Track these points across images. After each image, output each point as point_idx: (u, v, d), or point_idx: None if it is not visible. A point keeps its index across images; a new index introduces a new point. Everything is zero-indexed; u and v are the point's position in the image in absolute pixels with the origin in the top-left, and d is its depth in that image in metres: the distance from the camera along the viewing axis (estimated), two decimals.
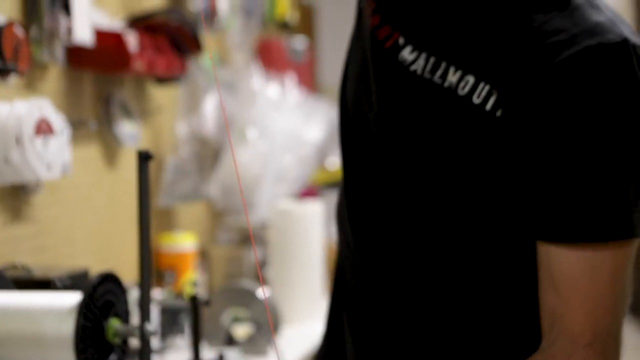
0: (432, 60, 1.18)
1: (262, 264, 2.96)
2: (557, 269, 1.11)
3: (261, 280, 2.70)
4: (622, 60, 1.09)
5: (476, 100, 1.14)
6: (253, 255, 2.99)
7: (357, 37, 1.33)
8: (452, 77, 1.16)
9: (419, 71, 1.19)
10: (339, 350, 1.36)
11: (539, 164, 1.11)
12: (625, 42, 1.09)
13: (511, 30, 1.15)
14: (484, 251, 1.20)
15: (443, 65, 1.17)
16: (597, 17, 1.12)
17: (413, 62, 1.19)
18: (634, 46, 1.09)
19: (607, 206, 1.09)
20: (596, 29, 1.10)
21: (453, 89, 1.16)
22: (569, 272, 1.10)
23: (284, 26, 3.60)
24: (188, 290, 2.44)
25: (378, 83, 1.24)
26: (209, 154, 2.83)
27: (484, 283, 1.21)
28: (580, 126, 1.09)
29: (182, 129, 2.80)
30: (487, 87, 1.13)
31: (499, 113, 1.13)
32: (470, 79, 1.15)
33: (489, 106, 1.13)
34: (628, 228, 1.09)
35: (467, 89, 1.15)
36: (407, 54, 1.20)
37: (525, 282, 1.17)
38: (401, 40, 1.21)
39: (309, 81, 3.43)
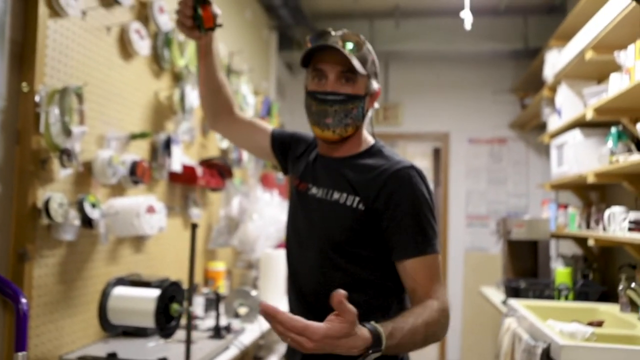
0: (325, 190, 1.20)
1: (255, 279, 2.92)
2: (413, 270, 1.10)
3: (254, 286, 2.65)
4: (413, 174, 1.14)
5: (349, 203, 1.15)
6: (253, 274, 2.96)
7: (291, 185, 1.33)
8: (336, 195, 1.17)
9: (320, 196, 1.20)
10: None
11: (389, 226, 1.12)
12: (412, 165, 1.16)
13: (360, 168, 1.18)
14: (367, 269, 1.16)
15: (330, 191, 1.18)
16: (396, 157, 1.19)
17: (317, 193, 1.21)
18: (415, 168, 1.16)
19: (429, 240, 1.11)
20: (399, 161, 1.17)
21: (337, 200, 1.17)
22: (419, 269, 1.10)
23: (274, 167, 3.61)
24: (218, 289, 2.39)
25: (299, 204, 1.25)
26: (233, 225, 2.82)
27: (369, 283, 1.16)
28: (407, 204, 1.11)
29: (221, 212, 2.79)
30: (353, 196, 1.15)
31: (361, 207, 1.14)
32: (344, 194, 1.16)
33: (355, 205, 1.14)
34: (437, 249, 1.12)
35: (343, 199, 1.16)
36: (314, 191, 1.22)
37: (384, 282, 1.16)
38: (310, 186, 1.23)
39: (284, 193, 3.43)
